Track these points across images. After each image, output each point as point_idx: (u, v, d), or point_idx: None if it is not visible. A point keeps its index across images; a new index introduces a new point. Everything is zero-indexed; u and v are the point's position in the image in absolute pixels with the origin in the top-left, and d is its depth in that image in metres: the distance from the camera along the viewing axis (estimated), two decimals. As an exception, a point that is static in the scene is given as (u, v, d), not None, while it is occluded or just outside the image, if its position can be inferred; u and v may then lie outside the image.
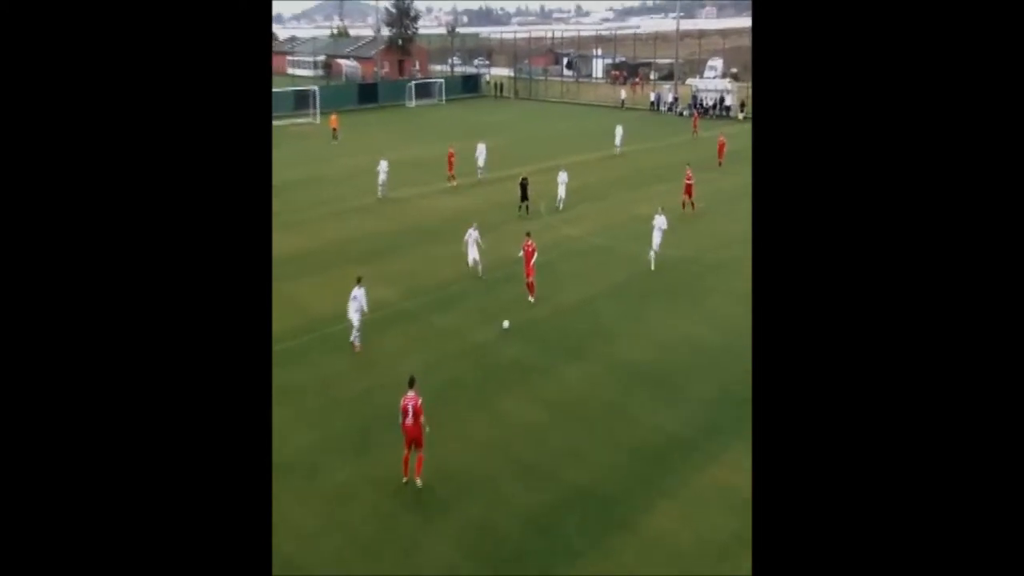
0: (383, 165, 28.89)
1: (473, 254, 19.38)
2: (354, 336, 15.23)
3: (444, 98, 61.92)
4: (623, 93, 58.92)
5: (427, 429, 10.78)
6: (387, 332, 16.49)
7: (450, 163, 30.35)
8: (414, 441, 10.67)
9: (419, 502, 10.51)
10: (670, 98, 56.52)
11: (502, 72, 73.57)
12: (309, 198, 28.60)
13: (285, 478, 11.02)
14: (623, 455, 11.65)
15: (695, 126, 44.08)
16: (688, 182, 25.68)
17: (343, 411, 13.11)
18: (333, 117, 44.15)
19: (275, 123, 48.22)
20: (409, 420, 10.60)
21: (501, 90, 68.39)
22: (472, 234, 19.50)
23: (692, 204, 25.67)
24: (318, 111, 50.50)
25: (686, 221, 25.09)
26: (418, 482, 10.60)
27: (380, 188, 28.67)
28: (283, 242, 22.95)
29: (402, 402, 10.63)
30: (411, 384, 10.85)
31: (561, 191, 26.54)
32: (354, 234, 24.12)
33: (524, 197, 26.02)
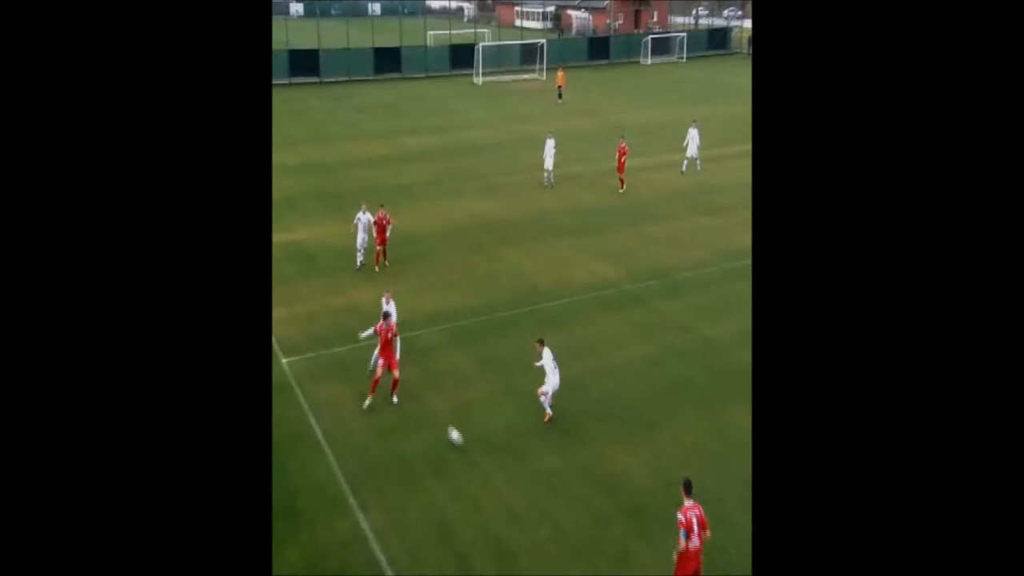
0: (550, 145, 25.54)
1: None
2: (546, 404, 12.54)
3: (685, 55, 60.41)
4: None
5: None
6: (606, 314, 16.69)
7: (620, 163, 25.51)
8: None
9: (636, 509, 10.56)
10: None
11: (756, 26, 69.72)
12: (519, 162, 29.34)
13: (493, 455, 11.71)
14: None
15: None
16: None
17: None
18: (560, 74, 45.11)
19: (499, 79, 50.73)
20: (695, 541, 8.39)
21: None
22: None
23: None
24: (545, 67, 51.97)
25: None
26: None
27: (546, 174, 25.71)
28: (485, 207, 24.13)
29: (683, 514, 8.40)
30: (688, 490, 8.58)
31: None
32: (561, 205, 24.36)
33: None
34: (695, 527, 8.37)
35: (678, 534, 8.41)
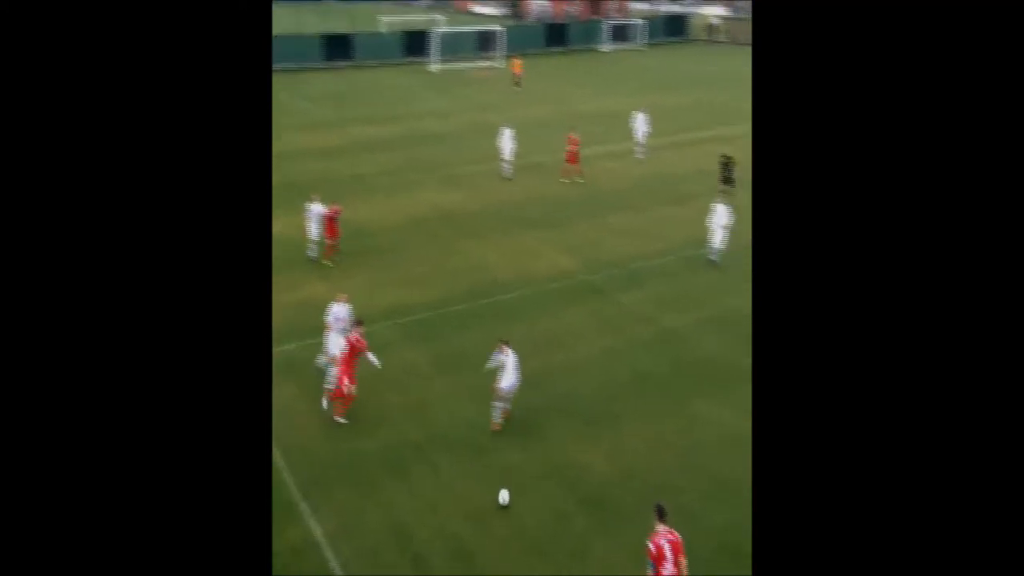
0: (507, 134, 25.79)
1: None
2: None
3: (646, 42, 60.85)
4: None
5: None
6: (567, 305, 16.75)
7: (572, 154, 25.57)
8: None
9: (596, 502, 10.64)
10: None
11: (716, 11, 70.66)
12: (479, 151, 29.22)
13: (452, 452, 11.67)
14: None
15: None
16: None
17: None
18: (517, 61, 45.07)
19: (455, 67, 50.46)
20: (669, 568, 7.97)
21: (713, 33, 65.79)
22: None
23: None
24: (504, 54, 51.84)
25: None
26: None
27: (504, 165, 25.87)
28: (445, 199, 24.05)
29: (652, 542, 8.08)
30: (661, 515, 8.26)
31: None
32: (522, 196, 24.36)
33: (725, 180, 24.80)
34: (667, 555, 7.96)
35: (647, 566, 8.13)
